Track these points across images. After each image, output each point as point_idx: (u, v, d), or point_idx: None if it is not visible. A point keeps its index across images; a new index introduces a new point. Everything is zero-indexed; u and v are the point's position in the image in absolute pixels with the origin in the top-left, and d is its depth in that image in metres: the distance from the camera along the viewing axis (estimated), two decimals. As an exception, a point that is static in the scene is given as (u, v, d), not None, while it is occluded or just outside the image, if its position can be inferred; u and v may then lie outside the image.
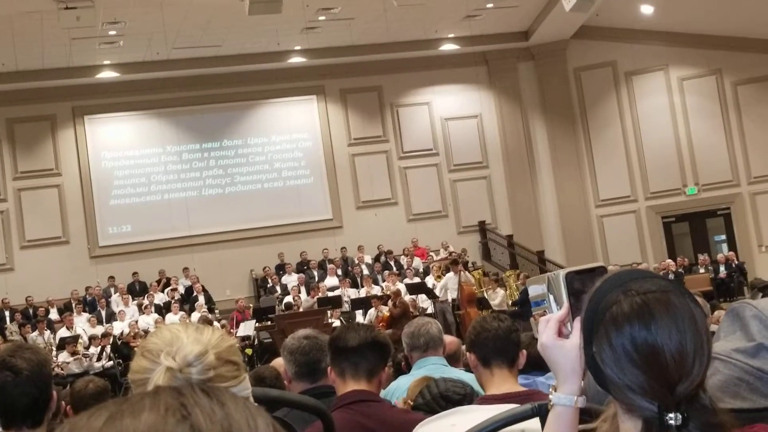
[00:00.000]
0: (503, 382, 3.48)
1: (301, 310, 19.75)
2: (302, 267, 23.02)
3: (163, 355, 1.74)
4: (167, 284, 22.11)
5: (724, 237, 25.33)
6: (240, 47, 22.66)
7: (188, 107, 23.62)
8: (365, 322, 19.00)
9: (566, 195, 25.40)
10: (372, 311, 19.47)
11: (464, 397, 3.63)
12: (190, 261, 22.75)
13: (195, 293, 21.66)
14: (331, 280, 22.09)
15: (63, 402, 3.27)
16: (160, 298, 21.46)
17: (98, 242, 22.95)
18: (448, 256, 22.48)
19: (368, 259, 23.35)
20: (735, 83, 24.80)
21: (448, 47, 24.47)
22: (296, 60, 23.74)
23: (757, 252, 24.55)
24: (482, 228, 25.02)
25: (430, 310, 20.06)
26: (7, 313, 20.61)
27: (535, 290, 1.86)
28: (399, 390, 4.61)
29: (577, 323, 1.71)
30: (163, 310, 20.91)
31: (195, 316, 19.85)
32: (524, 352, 3.62)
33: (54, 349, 18.48)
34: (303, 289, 21.54)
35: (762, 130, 24.40)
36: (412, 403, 3.77)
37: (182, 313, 20.44)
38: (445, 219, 24.99)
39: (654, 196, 25.21)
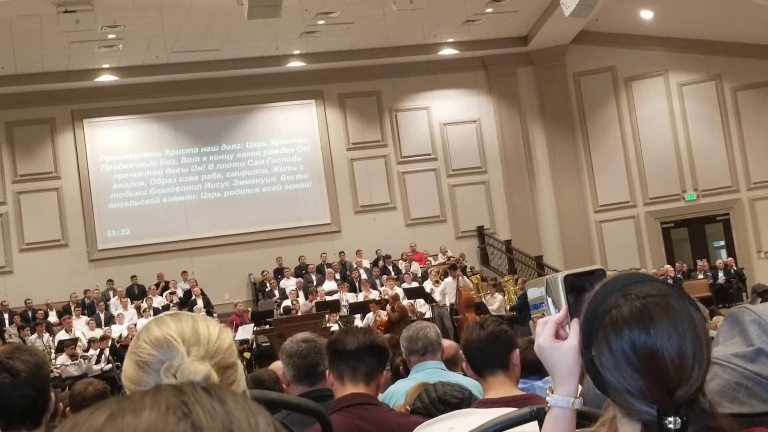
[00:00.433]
0: (501, 386, 3.48)
1: (299, 314, 19.75)
2: (301, 271, 23.02)
3: (163, 371, 1.68)
4: (166, 288, 22.11)
5: (723, 243, 25.34)
6: (239, 51, 22.66)
7: (187, 111, 23.62)
8: (363, 326, 18.99)
9: (565, 200, 25.40)
10: (370, 315, 19.47)
11: (462, 400, 3.63)
12: (188, 265, 22.74)
13: (193, 297, 21.66)
14: (329, 285, 22.09)
15: (61, 404, 3.27)
16: (158, 301, 21.45)
17: (97, 245, 22.95)
18: (447, 260, 22.50)
19: (366, 263, 23.34)
20: (734, 89, 24.81)
21: (447, 52, 24.49)
22: (295, 64, 23.75)
23: (756, 258, 24.54)
24: (480, 233, 25.02)
25: (428, 315, 20.08)
26: (6, 316, 20.60)
27: (533, 293, 1.86)
28: (397, 394, 4.61)
29: (575, 324, 1.71)
30: (161, 313, 20.89)
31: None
32: (516, 351, 3.62)
33: (53, 351, 18.48)
34: (301, 293, 21.53)
35: (761, 136, 24.41)
36: (410, 408, 3.77)
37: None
38: (444, 224, 24.99)
39: (653, 202, 25.22)
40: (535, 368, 4.24)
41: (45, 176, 22.87)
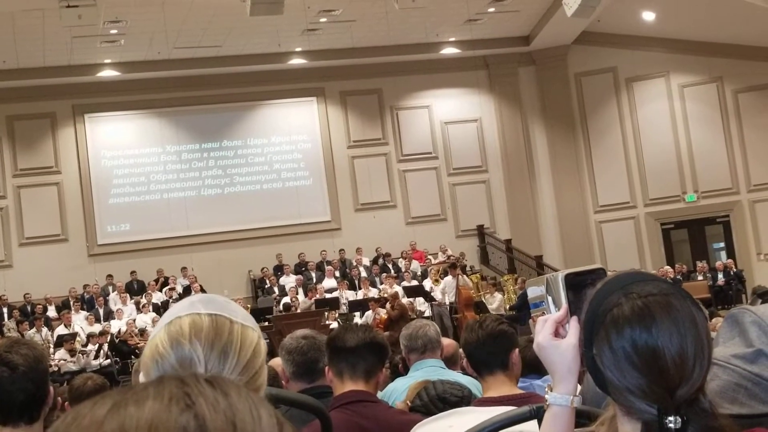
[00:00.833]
0: (500, 385, 3.48)
1: (298, 311, 19.76)
2: (300, 268, 23.03)
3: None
4: (165, 283, 22.11)
5: (722, 244, 25.35)
6: (241, 48, 22.66)
7: (188, 107, 23.62)
8: (363, 323, 19.01)
9: (565, 200, 25.40)
10: (369, 313, 19.48)
11: (462, 399, 3.63)
12: (188, 261, 22.75)
13: (193, 293, 21.63)
14: (329, 282, 22.09)
15: (59, 398, 3.27)
16: (158, 297, 21.46)
17: (97, 240, 22.95)
18: (447, 259, 22.49)
19: (366, 261, 23.35)
20: (736, 91, 24.82)
21: (449, 51, 24.49)
22: (297, 61, 23.75)
23: (756, 260, 24.55)
24: (481, 232, 25.02)
25: (427, 313, 20.08)
26: (5, 310, 20.62)
27: (534, 292, 1.86)
28: (396, 392, 4.61)
29: (574, 322, 1.71)
30: (161, 309, 20.88)
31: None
32: (516, 350, 3.62)
33: (51, 346, 18.48)
34: (301, 290, 21.53)
35: (762, 139, 24.41)
36: (410, 405, 3.77)
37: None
38: (444, 222, 24.99)
39: (653, 203, 25.22)
40: (534, 367, 4.25)
41: (45, 171, 22.87)
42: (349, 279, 22.30)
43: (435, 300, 20.69)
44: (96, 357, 18.47)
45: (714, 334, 1.88)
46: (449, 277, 20.40)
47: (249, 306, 20.98)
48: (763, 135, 24.39)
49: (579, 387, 1.83)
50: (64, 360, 18.06)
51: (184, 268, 22.54)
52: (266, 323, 18.89)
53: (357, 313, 20.12)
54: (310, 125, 24.59)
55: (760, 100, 24.50)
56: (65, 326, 19.59)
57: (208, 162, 23.97)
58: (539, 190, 25.61)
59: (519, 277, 22.03)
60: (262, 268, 22.88)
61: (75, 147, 23.08)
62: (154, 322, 19.33)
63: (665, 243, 25.39)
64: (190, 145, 23.88)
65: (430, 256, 23.46)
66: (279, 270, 22.92)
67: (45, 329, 19.37)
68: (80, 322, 20.05)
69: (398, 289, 20.60)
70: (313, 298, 20.54)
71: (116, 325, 20.14)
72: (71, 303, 20.96)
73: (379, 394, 4.07)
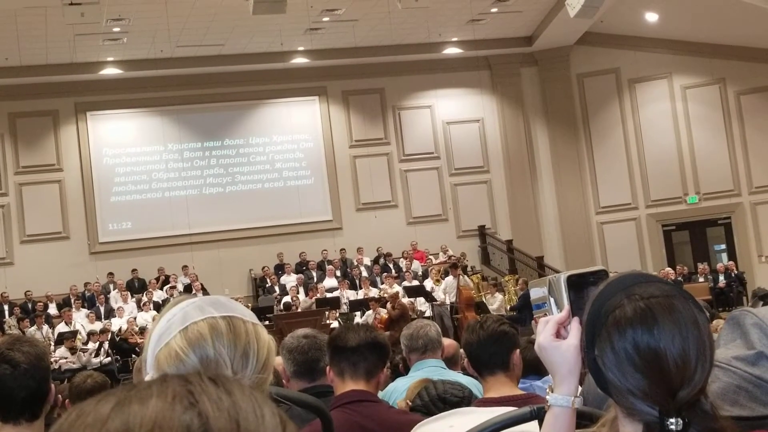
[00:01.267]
0: (501, 386, 3.48)
1: (299, 310, 19.76)
2: (301, 267, 23.02)
3: None
4: (166, 282, 22.11)
5: (724, 246, 25.33)
6: (243, 47, 22.67)
7: (190, 105, 23.62)
8: (364, 323, 19.02)
9: (567, 201, 25.40)
10: (370, 313, 19.47)
11: (462, 399, 3.63)
12: (189, 259, 22.75)
13: (194, 291, 21.63)
14: (329, 281, 22.09)
15: (60, 395, 3.27)
16: (158, 295, 21.45)
17: (98, 238, 22.95)
18: (448, 259, 22.49)
19: (367, 261, 23.35)
20: (738, 93, 24.81)
21: (452, 51, 24.48)
22: (299, 61, 23.75)
23: (757, 262, 24.54)
24: (482, 232, 25.02)
25: (428, 314, 20.08)
26: (6, 307, 20.62)
27: (536, 293, 1.86)
28: (397, 392, 4.62)
29: (575, 323, 1.72)
30: (161, 307, 20.80)
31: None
32: (517, 351, 3.62)
33: (52, 344, 18.49)
34: (302, 289, 21.53)
35: (764, 140, 24.41)
36: (410, 404, 3.77)
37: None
38: (445, 223, 24.99)
39: (655, 204, 25.22)
40: (534, 368, 4.25)
41: (47, 168, 22.87)
42: (350, 278, 22.30)
43: (436, 300, 20.68)
44: (96, 355, 18.48)
45: (715, 336, 1.88)
46: (450, 278, 20.40)
47: (250, 305, 20.99)
48: (766, 137, 24.38)
49: (580, 388, 1.83)
50: (65, 358, 18.06)
51: (185, 267, 22.54)
52: (267, 322, 18.87)
53: (357, 313, 20.12)
54: (312, 124, 24.59)
55: (763, 102, 24.49)
56: (66, 324, 19.60)
57: (210, 161, 23.97)
58: (541, 190, 25.61)
59: (520, 277, 22.04)
60: (263, 267, 22.88)
61: (77, 145, 23.09)
62: (155, 319, 19.28)
63: (666, 244, 25.38)
64: (192, 144, 23.88)
65: (431, 256, 23.45)
66: (280, 269, 22.92)
67: (46, 327, 19.38)
68: (81, 320, 20.06)
69: (397, 288, 20.60)
70: (314, 298, 20.54)
71: (117, 323, 20.14)
72: (72, 301, 20.98)
73: (380, 394, 4.07)
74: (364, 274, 22.46)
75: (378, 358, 3.59)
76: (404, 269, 22.62)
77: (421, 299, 20.91)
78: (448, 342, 5.76)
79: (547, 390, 1.78)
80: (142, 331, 18.88)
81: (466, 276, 20.52)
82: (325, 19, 21.64)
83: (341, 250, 23.53)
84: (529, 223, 25.16)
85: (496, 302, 20.40)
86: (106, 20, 19.24)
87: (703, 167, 24.88)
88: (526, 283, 20.66)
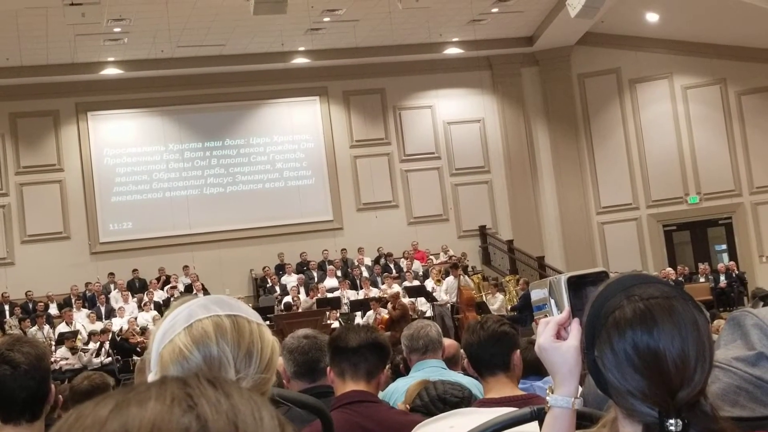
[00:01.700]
0: (501, 386, 3.48)
1: (300, 310, 19.76)
2: (302, 268, 23.02)
3: None
4: (167, 282, 22.11)
5: (725, 246, 25.32)
6: (244, 47, 22.67)
7: (191, 106, 23.62)
8: (365, 323, 19.02)
9: (567, 201, 25.39)
10: (370, 313, 19.47)
11: (462, 400, 3.63)
12: (190, 259, 22.75)
13: (194, 291, 21.63)
14: (330, 282, 22.08)
15: (61, 396, 3.27)
16: (159, 295, 21.46)
17: (99, 238, 22.95)
18: (448, 259, 22.49)
19: (368, 261, 23.35)
20: (739, 93, 24.80)
21: (452, 51, 24.48)
22: (300, 61, 23.75)
23: (758, 262, 24.54)
24: (483, 232, 25.02)
25: (428, 314, 20.08)
26: (6, 307, 20.63)
27: (537, 294, 1.87)
28: (397, 392, 4.61)
29: (575, 324, 1.72)
30: (162, 307, 20.89)
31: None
32: (517, 352, 3.62)
33: (53, 344, 18.49)
34: (302, 289, 21.52)
35: (765, 140, 24.41)
36: (409, 406, 3.77)
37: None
38: (446, 223, 24.98)
39: (655, 204, 25.22)
40: (535, 368, 4.25)
41: (48, 168, 22.88)
42: (350, 279, 22.30)
43: (436, 300, 20.68)
44: (97, 355, 18.47)
45: (715, 336, 1.88)
46: (451, 278, 20.40)
47: (250, 305, 20.93)
48: (766, 137, 24.39)
49: (580, 389, 1.83)
50: (66, 358, 18.06)
51: (185, 267, 22.55)
52: (268, 322, 18.77)
53: (358, 313, 20.12)
54: (312, 125, 24.59)
55: (764, 102, 24.49)
56: (67, 324, 19.60)
57: (211, 161, 23.98)
58: (541, 191, 25.60)
59: (521, 278, 22.03)
60: (264, 267, 22.87)
61: (78, 145, 23.09)
62: (155, 320, 19.32)
63: (667, 245, 25.38)
64: (192, 144, 23.88)
65: (431, 257, 23.46)
66: (280, 269, 22.92)
67: (47, 327, 19.38)
68: (82, 320, 20.07)
69: (396, 287, 20.60)
70: (315, 298, 20.53)
71: (117, 323, 20.14)
72: (73, 301, 20.98)
73: (381, 395, 4.07)
74: (365, 274, 22.46)
75: (378, 359, 3.59)
76: (405, 269, 22.63)
77: (422, 299, 20.91)
78: (448, 342, 5.76)
79: (548, 391, 1.79)
80: (143, 331, 18.89)
81: (466, 276, 20.52)
82: (326, 19, 21.65)
83: (342, 250, 23.54)
84: (529, 223, 25.15)
85: (496, 302, 20.39)
86: (106, 20, 19.24)
87: (703, 167, 24.88)
88: (526, 284, 20.65)
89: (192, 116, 23.78)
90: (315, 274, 22.73)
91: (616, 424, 1.62)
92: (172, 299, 20.82)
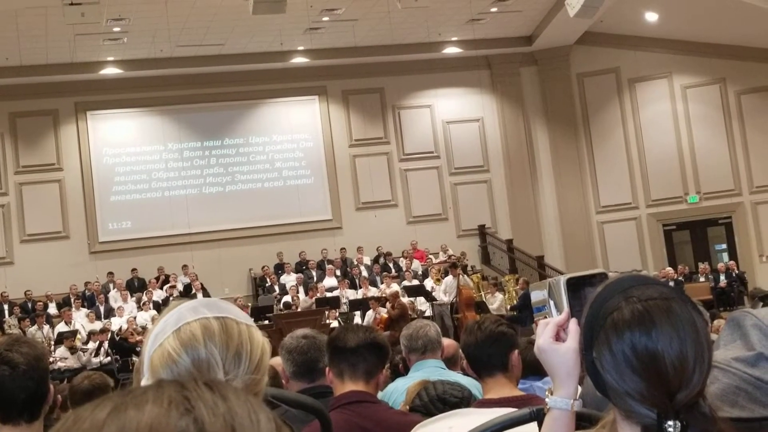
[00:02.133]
0: (500, 387, 3.48)
1: (299, 310, 19.75)
2: (301, 267, 23.03)
3: None
4: (166, 281, 22.12)
5: (724, 246, 25.33)
6: (243, 46, 22.68)
7: (190, 105, 23.63)
8: (363, 323, 19.02)
9: (567, 200, 25.39)
10: (370, 313, 19.46)
11: (461, 400, 3.63)
12: (189, 258, 22.75)
13: (194, 291, 21.65)
14: (329, 281, 22.09)
15: (60, 396, 3.27)
16: (158, 294, 21.47)
17: (98, 238, 22.96)
18: (448, 259, 22.47)
19: (367, 260, 23.35)
20: (739, 92, 24.81)
21: (451, 50, 24.49)
22: (299, 60, 23.76)
23: (758, 262, 24.55)
24: (482, 232, 25.02)
25: (428, 313, 20.08)
26: (5, 307, 20.63)
27: (536, 296, 1.87)
28: (396, 392, 4.61)
29: (573, 325, 1.72)
30: (161, 306, 20.87)
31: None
32: (516, 352, 3.61)
33: (52, 343, 18.49)
34: (301, 288, 21.53)
35: (765, 140, 24.41)
36: (409, 407, 3.77)
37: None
38: (445, 222, 24.98)
39: (655, 204, 25.22)
40: (534, 368, 4.24)
41: (47, 168, 22.88)
42: (349, 278, 22.30)
43: (435, 300, 20.67)
44: (96, 355, 18.47)
45: (715, 336, 1.88)
46: (450, 277, 20.37)
47: (250, 304, 21.01)
48: (766, 136, 24.39)
49: (580, 389, 1.83)
50: (65, 358, 18.06)
51: (184, 266, 22.55)
52: (266, 322, 18.89)
53: (357, 313, 20.11)
54: (311, 124, 24.60)
55: (763, 102, 24.49)
56: (66, 323, 19.60)
57: (210, 160, 23.98)
58: (541, 190, 25.61)
59: (520, 277, 22.02)
60: (263, 267, 22.88)
61: (77, 144, 23.10)
62: (154, 319, 19.30)
63: (667, 244, 25.38)
64: (191, 143, 23.89)
65: (431, 256, 23.46)
66: (280, 268, 22.93)
67: (46, 326, 19.37)
68: (81, 320, 20.06)
69: (395, 287, 20.59)
70: (314, 297, 20.53)
71: (117, 323, 20.13)
72: (72, 300, 20.98)
73: (380, 395, 4.07)
74: (364, 273, 22.46)
75: (377, 359, 3.59)
76: (404, 269, 22.63)
77: (421, 299, 20.91)
78: (447, 342, 5.76)
79: (547, 392, 1.79)
80: (142, 330, 18.88)
81: (466, 275, 20.50)
82: (325, 18, 21.65)
83: (341, 249, 23.54)
84: (529, 223, 25.16)
85: (496, 302, 20.38)
86: (106, 20, 19.24)
87: (703, 167, 24.88)
88: (526, 283, 20.64)
89: (191, 115, 23.78)
90: (314, 274, 22.73)
91: (615, 425, 1.62)
92: (171, 298, 20.85)
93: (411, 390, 3.98)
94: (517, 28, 24.28)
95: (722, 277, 22.47)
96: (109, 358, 18.42)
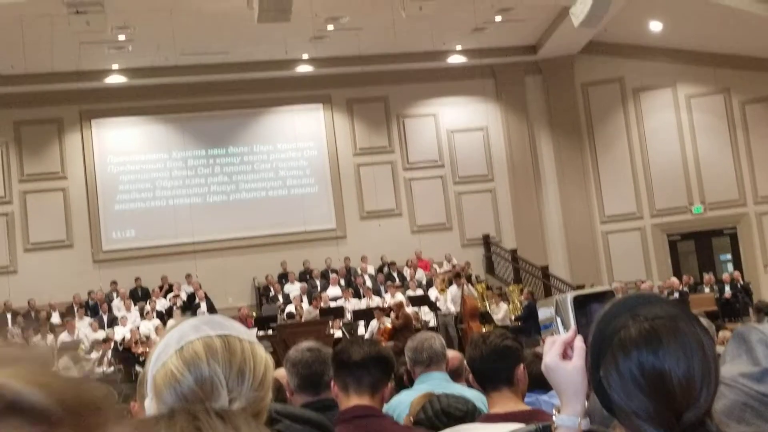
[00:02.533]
0: (506, 401, 3.46)
1: (302, 320, 19.71)
2: (305, 276, 23.00)
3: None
4: (169, 290, 22.09)
5: (729, 256, 25.28)
6: (248, 55, 22.70)
7: (195, 113, 23.65)
8: (367, 333, 19.01)
9: (571, 210, 25.36)
10: (374, 323, 19.42)
11: (466, 413, 3.62)
12: (192, 268, 22.72)
13: (197, 300, 21.64)
14: (333, 290, 22.05)
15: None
16: (162, 304, 21.44)
17: (102, 247, 22.96)
18: (452, 268, 22.44)
19: (371, 269, 23.31)
20: (743, 102, 24.80)
21: (456, 59, 24.49)
22: (303, 69, 23.78)
23: (763, 272, 24.50)
24: (486, 241, 24.99)
25: (432, 323, 20.04)
26: (9, 316, 20.60)
27: (543, 313, 1.87)
28: (402, 405, 4.59)
29: (579, 343, 1.71)
30: (165, 316, 20.89)
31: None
32: (521, 366, 3.60)
33: (55, 353, 18.44)
34: (305, 298, 21.49)
35: (769, 150, 24.41)
36: (413, 420, 3.75)
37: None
38: (450, 231, 24.96)
39: (660, 214, 25.19)
40: (540, 382, 4.22)
41: (51, 176, 22.90)
42: (353, 287, 22.26)
43: (440, 310, 20.63)
44: (99, 364, 18.44)
45: (721, 349, 1.87)
46: (454, 287, 20.34)
47: (253, 314, 20.98)
48: (771, 146, 24.39)
49: (586, 403, 1.83)
50: (67, 368, 18.00)
51: (188, 275, 22.52)
52: (270, 331, 18.85)
53: (361, 322, 20.08)
54: (316, 132, 24.61)
55: (768, 112, 24.50)
56: (69, 333, 19.56)
57: (214, 168, 23.99)
58: (545, 199, 25.58)
59: (525, 287, 21.99)
60: (267, 276, 22.85)
61: (81, 153, 23.13)
62: (157, 329, 19.32)
63: (672, 254, 25.34)
64: (196, 152, 23.91)
65: (435, 265, 23.43)
66: (283, 277, 22.90)
67: (50, 336, 19.34)
68: (84, 329, 20.03)
69: (400, 296, 20.55)
70: (318, 307, 20.48)
71: (120, 332, 20.09)
72: (75, 309, 20.94)
73: (385, 407, 4.06)
74: (368, 283, 22.42)
75: (382, 372, 3.58)
76: (408, 278, 22.59)
77: (426, 308, 20.87)
78: (452, 354, 5.74)
79: (554, 411, 1.78)
80: (146, 339, 18.87)
81: (470, 285, 20.48)
82: (330, 27, 21.67)
83: (345, 258, 23.50)
84: (533, 233, 25.12)
85: (500, 312, 20.33)
86: (111, 28, 19.27)
87: (708, 177, 24.86)
88: (531, 293, 20.64)
89: (195, 124, 23.80)
90: (318, 283, 22.68)
91: (622, 444, 1.61)
92: (174, 308, 20.85)
93: (415, 403, 3.97)
94: (521, 37, 24.29)
95: (727, 288, 22.39)
96: (112, 368, 18.39)
